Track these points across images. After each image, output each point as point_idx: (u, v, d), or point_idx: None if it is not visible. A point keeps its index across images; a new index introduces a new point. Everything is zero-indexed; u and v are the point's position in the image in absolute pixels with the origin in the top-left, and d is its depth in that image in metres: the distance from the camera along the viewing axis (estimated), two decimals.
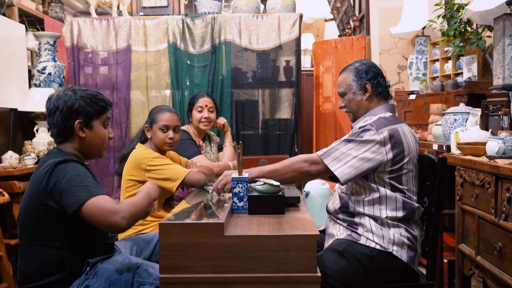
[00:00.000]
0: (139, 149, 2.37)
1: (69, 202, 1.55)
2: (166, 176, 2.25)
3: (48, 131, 3.58)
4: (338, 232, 1.96)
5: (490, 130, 2.37)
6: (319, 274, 1.54)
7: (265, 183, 1.85)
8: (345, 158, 1.84)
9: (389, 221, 1.87)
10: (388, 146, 1.85)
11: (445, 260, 2.69)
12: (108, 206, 1.53)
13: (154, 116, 2.45)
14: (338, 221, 1.99)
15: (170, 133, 2.42)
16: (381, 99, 2.03)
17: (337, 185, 2.09)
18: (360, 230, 1.89)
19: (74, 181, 1.58)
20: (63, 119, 1.73)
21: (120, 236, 2.30)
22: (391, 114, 1.99)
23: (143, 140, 2.50)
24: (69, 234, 1.67)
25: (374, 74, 2.02)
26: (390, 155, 1.86)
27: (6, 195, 2.81)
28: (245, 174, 1.89)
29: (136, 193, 1.71)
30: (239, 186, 1.86)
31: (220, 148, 3.16)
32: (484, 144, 2.15)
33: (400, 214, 1.88)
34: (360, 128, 1.89)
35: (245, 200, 1.85)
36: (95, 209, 1.53)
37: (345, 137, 1.90)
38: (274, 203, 1.82)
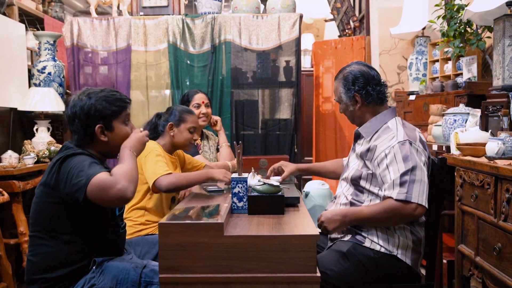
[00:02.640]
0: (152, 143, 2.34)
1: (76, 190, 1.56)
2: (146, 173, 2.23)
3: (48, 131, 3.57)
4: (342, 233, 1.95)
5: (489, 130, 2.37)
6: (318, 274, 1.54)
7: (264, 183, 1.85)
8: (423, 186, 1.78)
9: None
10: (425, 153, 1.89)
11: (444, 261, 2.68)
12: (106, 181, 1.52)
13: (183, 115, 2.46)
14: None
15: (196, 135, 2.49)
16: (374, 106, 1.98)
17: (343, 191, 2.03)
18: (364, 232, 1.88)
19: (75, 170, 1.58)
20: (83, 126, 1.73)
21: None
22: (400, 118, 1.98)
23: (153, 137, 2.48)
24: (79, 228, 1.69)
25: (362, 83, 1.95)
26: (427, 161, 1.90)
27: (6, 195, 2.81)
28: (341, 215, 1.85)
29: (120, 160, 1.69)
30: (238, 186, 1.86)
31: (218, 147, 3.16)
32: (483, 145, 2.15)
33: None
34: (400, 145, 1.83)
35: (244, 200, 1.85)
36: (96, 189, 1.52)
37: (402, 163, 1.80)
38: (274, 203, 1.82)
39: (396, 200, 1.76)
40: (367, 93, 1.96)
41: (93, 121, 1.72)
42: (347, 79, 1.98)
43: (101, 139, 1.74)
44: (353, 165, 2.02)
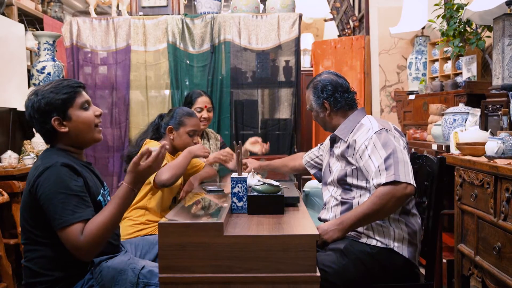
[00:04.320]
0: (155, 144, 2.35)
1: (51, 221, 1.57)
2: None
3: None
4: None
5: (489, 130, 2.38)
6: (318, 274, 1.54)
7: (264, 183, 1.85)
8: (407, 167, 1.81)
9: (390, 215, 1.88)
10: (402, 139, 1.95)
11: (444, 260, 2.69)
12: (73, 242, 1.54)
13: (183, 119, 2.46)
14: None
15: (196, 138, 2.49)
16: (344, 111, 2.07)
17: (331, 194, 2.06)
18: (360, 228, 1.90)
19: (54, 198, 1.55)
20: (41, 124, 1.69)
21: (123, 237, 2.23)
22: (372, 116, 2.05)
23: (155, 138, 2.48)
24: None
25: (330, 91, 2.05)
26: (406, 146, 1.95)
27: (6, 195, 2.80)
28: (337, 224, 1.85)
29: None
30: (238, 186, 1.86)
31: (222, 146, 3.15)
32: (483, 144, 2.15)
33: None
34: (377, 134, 1.89)
35: (244, 200, 1.85)
36: (65, 240, 1.55)
37: (383, 149, 1.84)
38: (274, 203, 1.83)
39: (386, 183, 1.78)
40: (335, 100, 2.05)
41: (47, 115, 1.66)
42: (317, 88, 2.08)
43: (62, 131, 1.69)
44: (335, 167, 2.05)
